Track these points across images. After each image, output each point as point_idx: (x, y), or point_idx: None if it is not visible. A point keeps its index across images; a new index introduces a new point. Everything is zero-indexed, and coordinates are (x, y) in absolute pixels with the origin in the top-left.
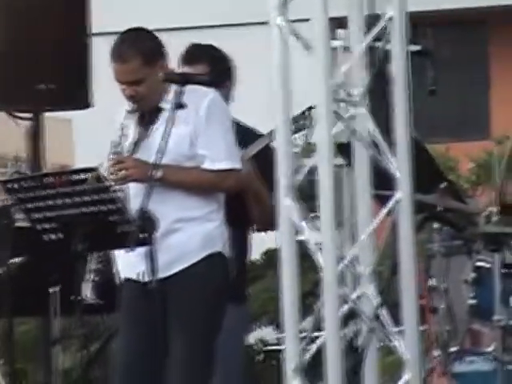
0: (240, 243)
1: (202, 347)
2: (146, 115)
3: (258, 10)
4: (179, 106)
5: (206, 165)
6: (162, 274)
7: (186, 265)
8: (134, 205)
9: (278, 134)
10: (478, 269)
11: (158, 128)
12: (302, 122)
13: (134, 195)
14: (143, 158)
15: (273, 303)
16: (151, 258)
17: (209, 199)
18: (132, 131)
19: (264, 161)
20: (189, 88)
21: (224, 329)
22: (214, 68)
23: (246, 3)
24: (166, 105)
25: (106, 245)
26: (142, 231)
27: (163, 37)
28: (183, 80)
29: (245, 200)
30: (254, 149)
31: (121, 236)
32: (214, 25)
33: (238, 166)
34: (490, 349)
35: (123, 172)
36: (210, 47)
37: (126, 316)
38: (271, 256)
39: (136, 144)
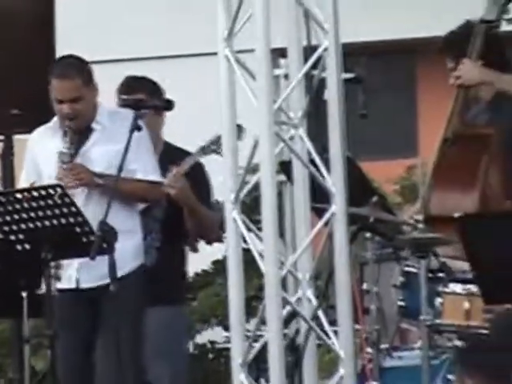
0: (177, 254)
1: (132, 343)
2: (76, 134)
3: (205, 41)
4: (137, 128)
5: (140, 176)
6: (95, 283)
7: (118, 275)
8: None
9: (226, 154)
10: (406, 273)
11: (92, 146)
12: (213, 146)
13: None
14: None
15: (221, 307)
16: (111, 266)
17: (133, 213)
18: (52, 144)
19: (194, 177)
20: (114, 111)
21: (167, 327)
22: (150, 98)
23: (193, 35)
24: (97, 125)
25: (71, 253)
26: (103, 241)
27: (114, 67)
28: (139, 105)
29: (181, 214)
30: (185, 166)
31: (84, 245)
32: (160, 56)
33: (162, 180)
34: (416, 345)
35: (75, 177)
36: (145, 79)
37: (65, 325)
38: (220, 265)
39: (72, 157)
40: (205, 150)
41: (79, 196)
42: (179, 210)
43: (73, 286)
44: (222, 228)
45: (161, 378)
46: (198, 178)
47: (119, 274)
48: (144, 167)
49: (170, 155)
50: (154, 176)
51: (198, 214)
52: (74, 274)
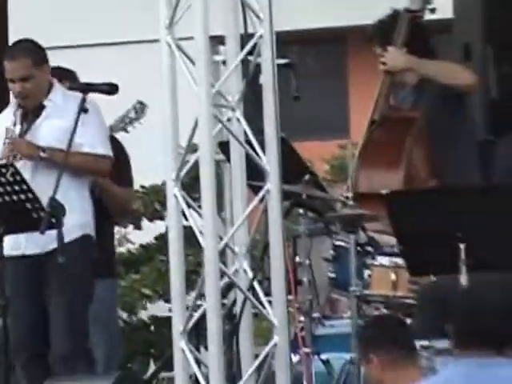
0: (106, 230)
1: (77, 306)
2: (30, 112)
3: (146, 29)
4: (84, 110)
5: (86, 149)
6: (41, 250)
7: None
8: None
9: (167, 134)
10: (336, 247)
11: (45, 121)
12: (132, 114)
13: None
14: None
15: (162, 281)
16: (59, 238)
17: (82, 186)
18: (9, 121)
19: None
20: (68, 93)
21: (101, 298)
22: (72, 84)
23: (134, 23)
24: (48, 102)
25: (22, 228)
26: (52, 216)
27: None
28: (87, 89)
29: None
30: None
31: (34, 220)
32: (105, 43)
33: (110, 153)
34: (346, 315)
35: (16, 151)
36: (60, 68)
37: (15, 288)
38: (162, 240)
39: (21, 134)
40: (113, 128)
41: (26, 170)
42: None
43: (19, 252)
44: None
45: (97, 344)
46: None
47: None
48: (91, 141)
49: None
50: (101, 149)
51: (108, 191)
52: (22, 241)
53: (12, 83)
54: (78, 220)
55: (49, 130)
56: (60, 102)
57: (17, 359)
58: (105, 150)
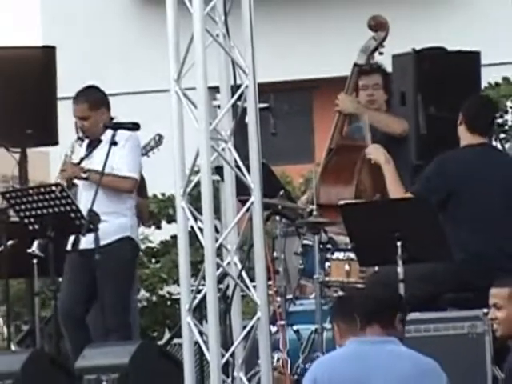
0: None
1: (115, 294)
2: (93, 142)
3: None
4: (114, 143)
5: (116, 172)
6: (89, 246)
7: (104, 242)
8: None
9: (176, 160)
10: (304, 245)
11: (99, 151)
12: (152, 144)
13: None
14: (87, 166)
15: (177, 269)
16: (96, 240)
17: (123, 200)
18: (83, 150)
19: None
20: (119, 132)
21: None
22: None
23: (149, 75)
24: (104, 137)
25: (68, 231)
26: (90, 223)
27: None
28: (117, 126)
29: None
30: None
31: (77, 226)
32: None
33: (134, 175)
34: (312, 296)
35: (64, 172)
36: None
37: (67, 275)
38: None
39: (83, 158)
40: None
41: (79, 183)
42: None
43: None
44: None
45: None
46: None
47: (103, 243)
48: (121, 166)
49: None
50: (125, 172)
51: (142, 204)
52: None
53: (77, 120)
54: (116, 226)
55: (100, 159)
56: (111, 138)
57: (65, 327)
58: (128, 172)
